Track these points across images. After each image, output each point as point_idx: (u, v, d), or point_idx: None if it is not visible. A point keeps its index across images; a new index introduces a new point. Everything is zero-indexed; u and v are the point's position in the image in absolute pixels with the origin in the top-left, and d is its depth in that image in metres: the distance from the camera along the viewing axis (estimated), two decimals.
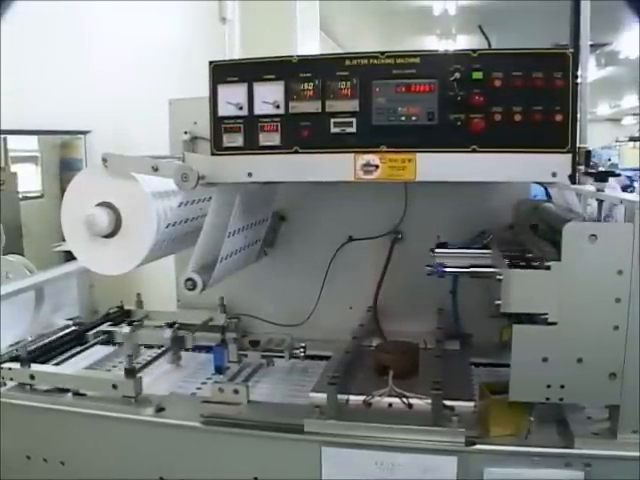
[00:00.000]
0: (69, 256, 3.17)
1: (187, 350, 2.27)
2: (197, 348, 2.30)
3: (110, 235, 1.78)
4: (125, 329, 2.07)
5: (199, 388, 2.02)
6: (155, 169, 1.71)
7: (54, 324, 2.42)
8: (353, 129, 1.56)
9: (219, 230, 1.77)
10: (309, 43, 5.19)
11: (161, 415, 1.77)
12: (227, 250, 1.81)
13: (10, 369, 1.94)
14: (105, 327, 2.13)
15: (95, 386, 1.88)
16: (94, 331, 2.08)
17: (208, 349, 2.23)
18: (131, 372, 1.82)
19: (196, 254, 1.75)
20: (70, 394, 1.89)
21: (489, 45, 1.78)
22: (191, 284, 1.73)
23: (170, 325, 2.07)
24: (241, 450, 1.70)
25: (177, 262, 2.38)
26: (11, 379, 1.94)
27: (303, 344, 2.03)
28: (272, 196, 2.12)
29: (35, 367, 1.95)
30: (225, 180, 1.66)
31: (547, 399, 1.54)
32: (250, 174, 1.63)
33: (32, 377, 1.92)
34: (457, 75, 1.51)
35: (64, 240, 3.94)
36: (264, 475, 1.70)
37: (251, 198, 1.88)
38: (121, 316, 2.47)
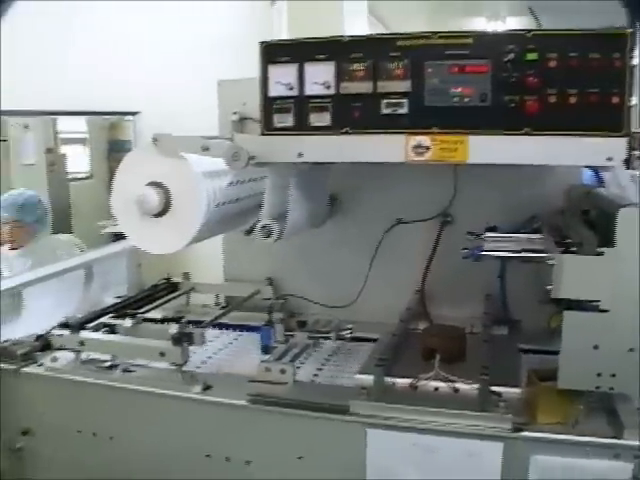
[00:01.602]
0: (116, 237, 3.26)
1: (229, 328, 2.32)
2: (244, 328, 2.34)
3: (160, 214, 1.80)
4: (127, 322, 2.07)
5: (245, 367, 2.02)
6: (205, 149, 1.72)
7: (103, 302, 2.46)
8: (405, 110, 1.55)
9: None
10: (357, 26, 5.16)
11: (208, 393, 1.80)
12: (291, 230, 1.83)
13: (60, 335, 1.97)
14: (106, 319, 2.13)
15: (143, 353, 1.92)
16: (94, 323, 2.09)
17: (254, 329, 2.26)
18: (178, 340, 1.84)
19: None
20: (119, 370, 1.93)
21: (539, 27, 1.75)
22: (266, 231, 1.74)
23: (177, 320, 2.06)
24: (286, 430, 1.72)
25: (225, 243, 2.42)
26: (61, 347, 1.99)
27: (350, 326, 2.04)
28: (327, 175, 2.13)
29: (84, 334, 1.98)
30: (275, 160, 1.67)
31: (597, 388, 1.52)
32: (300, 154, 1.64)
33: (81, 344, 1.95)
34: (511, 56, 1.49)
35: (111, 220, 4.02)
36: (309, 455, 1.71)
37: (307, 180, 1.88)
38: (167, 288, 2.51)
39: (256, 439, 1.76)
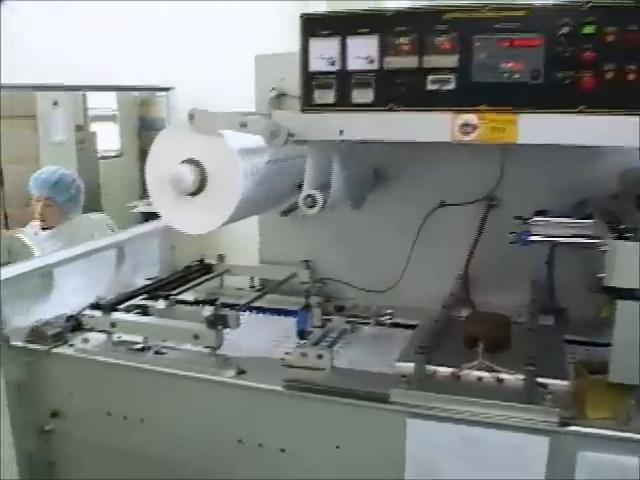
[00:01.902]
0: (146, 217, 3.29)
1: (264, 312, 2.34)
2: (280, 312, 2.35)
3: (195, 193, 1.80)
4: (159, 304, 2.09)
5: (281, 352, 2.05)
6: (243, 125, 1.72)
7: (134, 284, 2.49)
8: (451, 86, 1.53)
9: (323, 180, 1.79)
10: None
11: (242, 378, 1.82)
12: (333, 200, 1.83)
13: (91, 316, 2.00)
14: (138, 301, 2.15)
15: (176, 335, 1.94)
16: (126, 304, 2.11)
17: (290, 313, 2.27)
18: (213, 322, 1.85)
19: (309, 176, 1.78)
20: (151, 352, 1.96)
21: None
22: (311, 200, 1.75)
23: (211, 302, 2.07)
24: (323, 417, 1.73)
25: (261, 223, 2.43)
26: (92, 328, 2.01)
27: (389, 311, 2.04)
28: (369, 154, 2.12)
29: (116, 315, 2.01)
30: (315, 138, 1.66)
31: None
32: (342, 132, 1.63)
33: (113, 325, 1.98)
34: (566, 29, 1.46)
35: (142, 200, 4.06)
36: (346, 444, 1.72)
37: (349, 156, 1.88)
38: (201, 270, 2.53)
39: (291, 426, 1.77)
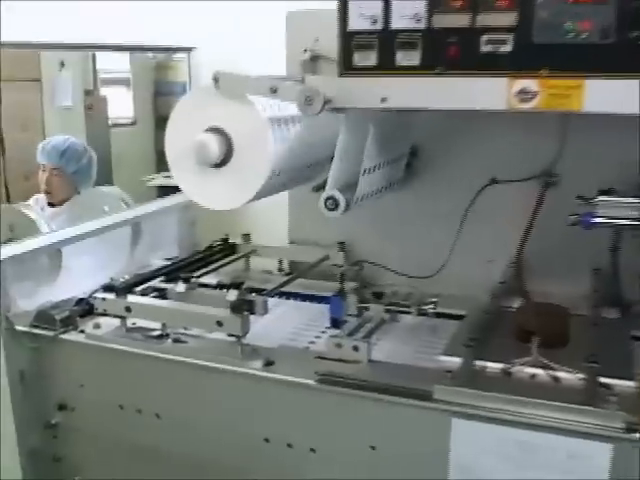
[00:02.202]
0: (163, 191, 3.31)
1: (294, 298, 2.36)
2: (311, 298, 2.37)
3: (220, 165, 1.82)
4: (179, 287, 2.10)
5: (312, 342, 2.08)
6: (274, 91, 1.73)
7: (151, 264, 2.52)
8: (509, 48, 1.52)
9: (355, 157, 1.80)
10: None
11: (270, 370, 1.83)
12: (363, 188, 1.84)
13: (104, 299, 2.02)
14: (156, 283, 2.17)
15: (197, 322, 1.96)
16: (142, 287, 2.12)
17: (323, 299, 2.28)
18: (238, 308, 1.86)
19: (334, 172, 1.79)
20: (170, 340, 1.98)
21: None
22: (332, 203, 1.77)
23: (236, 286, 2.06)
24: (358, 415, 1.74)
25: (291, 200, 2.43)
26: (104, 312, 2.03)
27: (434, 299, 2.04)
28: (410, 126, 2.12)
29: (131, 298, 2.03)
30: (355, 105, 1.67)
31: None
32: (384, 99, 1.63)
33: (128, 309, 2.00)
34: None
35: (159, 173, 4.08)
36: (382, 445, 1.73)
37: (387, 129, 1.88)
38: (224, 250, 2.55)
39: (323, 424, 1.79)
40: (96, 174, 3.34)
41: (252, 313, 1.88)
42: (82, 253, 2.32)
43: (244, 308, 1.86)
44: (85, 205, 3.09)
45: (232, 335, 1.88)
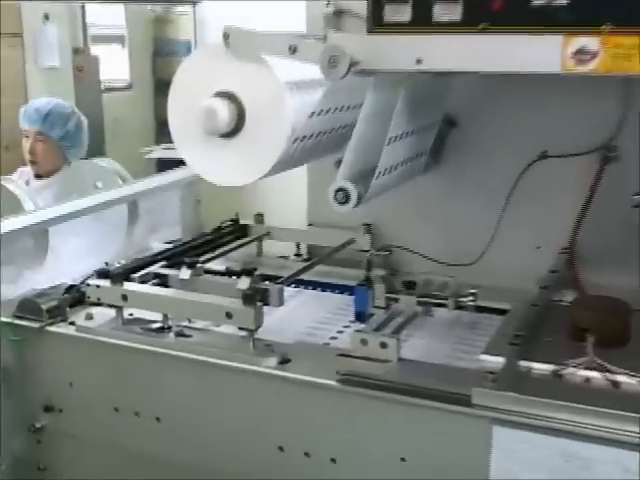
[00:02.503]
0: (164, 165, 3.32)
1: (314, 287, 2.37)
2: (333, 287, 2.39)
3: (231, 134, 1.83)
4: (183, 273, 2.11)
5: (334, 338, 2.10)
6: (292, 50, 1.73)
7: (150, 248, 2.53)
8: (563, 1, 1.53)
9: (376, 133, 1.79)
10: None
11: (285, 368, 1.85)
12: (387, 161, 1.84)
13: (97, 287, 2.04)
14: (157, 268, 2.18)
15: (204, 313, 1.98)
16: (141, 273, 2.13)
17: (346, 289, 2.31)
18: (250, 298, 1.88)
19: (348, 160, 1.79)
20: (172, 334, 1.99)
21: None
22: (343, 196, 1.79)
23: (248, 272, 2.05)
24: (385, 421, 1.75)
25: (310, 174, 2.44)
26: (98, 301, 2.06)
27: (473, 290, 2.04)
28: (445, 92, 2.12)
29: (128, 285, 2.05)
30: (386, 68, 1.67)
31: None
32: (419, 61, 1.63)
33: (124, 298, 2.02)
34: None
35: (158, 144, 4.10)
36: (413, 456, 1.74)
37: (419, 94, 1.88)
38: (234, 232, 2.57)
39: (345, 431, 1.80)
40: (89, 144, 3.35)
41: (266, 304, 1.90)
42: (72, 234, 2.33)
43: (257, 298, 1.88)
44: (75, 179, 3.11)
45: (243, 329, 1.90)
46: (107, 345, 2.01)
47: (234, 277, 2.08)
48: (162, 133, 4.16)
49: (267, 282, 1.95)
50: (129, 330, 2.03)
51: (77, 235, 2.35)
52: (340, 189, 1.80)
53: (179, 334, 2.00)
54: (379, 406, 1.75)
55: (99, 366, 2.05)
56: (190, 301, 1.99)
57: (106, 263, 2.10)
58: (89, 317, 2.08)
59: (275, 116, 1.80)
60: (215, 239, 2.51)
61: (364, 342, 1.81)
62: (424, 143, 2.12)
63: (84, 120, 3.30)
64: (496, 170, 2.29)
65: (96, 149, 3.66)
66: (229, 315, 1.89)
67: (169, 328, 2.01)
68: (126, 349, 1.99)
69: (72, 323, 2.09)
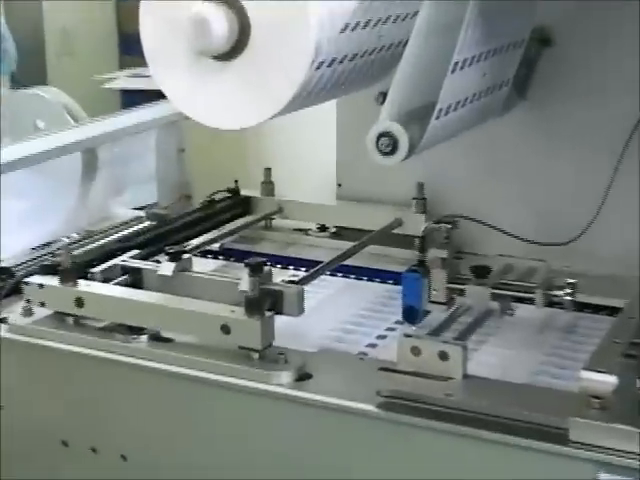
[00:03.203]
0: (131, 99, 3.32)
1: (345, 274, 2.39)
2: (371, 273, 2.40)
3: (229, 55, 1.82)
4: (165, 267, 2.11)
5: (372, 345, 2.10)
6: None
7: (113, 215, 2.54)
8: None
9: (436, 55, 1.79)
10: None
11: (305, 386, 1.84)
12: (450, 95, 1.84)
13: (41, 286, 2.05)
14: (126, 259, 2.19)
15: (190, 325, 1.97)
16: (103, 266, 2.14)
17: (389, 276, 2.33)
18: (256, 304, 1.87)
19: (395, 93, 1.79)
20: (145, 337, 2.00)
21: None
22: (388, 143, 1.78)
23: (254, 266, 1.97)
24: (444, 460, 1.75)
25: (340, 117, 2.44)
26: (42, 304, 2.07)
27: (571, 280, 2.04)
28: (533, 5, 2.12)
29: (86, 286, 2.05)
30: None
31: None
32: None
33: (79, 302, 2.02)
34: None
35: (122, 69, 4.11)
36: None
37: (496, 3, 1.88)
38: (234, 207, 2.59)
39: (389, 473, 1.79)
40: (24, 67, 3.35)
41: (279, 313, 1.92)
42: (3, 195, 2.34)
43: (266, 305, 1.89)
44: (6, 116, 3.11)
45: (245, 348, 1.90)
46: (51, 352, 2.02)
47: (232, 259, 2.07)
48: (128, 52, 4.16)
49: (280, 282, 1.97)
50: (83, 331, 2.04)
51: (10, 196, 2.35)
52: (384, 133, 1.79)
53: (154, 337, 2.01)
54: (436, 441, 1.74)
55: (40, 382, 2.06)
56: (172, 310, 2.00)
57: (49, 243, 2.10)
58: (28, 312, 2.10)
59: (293, 30, 1.79)
60: (206, 217, 2.53)
61: (416, 351, 1.81)
62: (504, 70, 2.11)
63: (5, 31, 3.30)
64: (606, 112, 2.29)
65: (35, 75, 3.66)
66: (226, 329, 1.90)
67: (141, 329, 2.02)
68: (79, 358, 2.00)
69: (3, 320, 2.10)
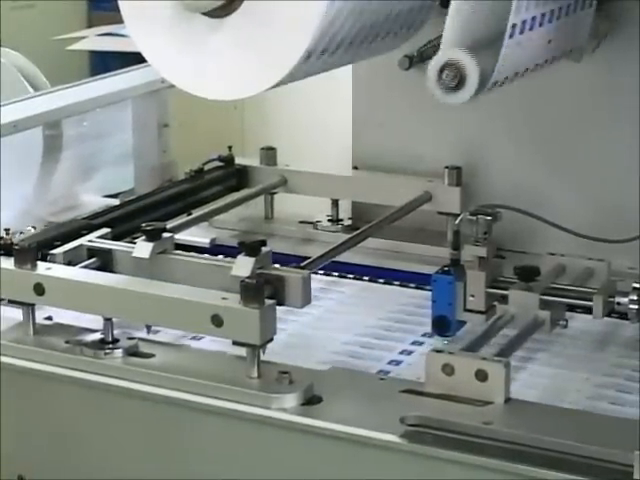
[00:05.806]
0: (100, 63, 3.34)
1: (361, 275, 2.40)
2: (394, 274, 2.43)
3: (224, 11, 1.84)
4: (141, 249, 2.10)
5: (395, 362, 2.12)
6: None
7: (80, 203, 2.55)
8: None
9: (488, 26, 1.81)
10: None
11: (314, 412, 1.86)
12: (514, 62, 1.87)
13: None
14: (94, 239, 2.18)
15: (173, 317, 1.98)
16: (68, 247, 2.14)
17: (416, 278, 2.36)
18: (255, 292, 1.85)
19: (457, 16, 1.80)
20: (120, 351, 2.01)
21: None
22: (453, 76, 1.79)
23: (252, 248, 2.00)
24: None
25: (356, 88, 2.46)
26: None
27: (637, 285, 2.05)
28: None
29: (46, 268, 2.06)
30: None
31: None
32: None
33: (39, 290, 2.03)
34: None
35: (91, 27, 4.16)
36: None
37: None
38: (226, 179, 2.60)
39: None
40: None
41: (281, 303, 1.93)
42: None
43: (266, 292, 1.89)
44: None
45: (240, 343, 1.91)
46: (7, 370, 2.03)
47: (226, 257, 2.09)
48: (99, 6, 4.18)
49: (283, 269, 1.96)
50: (45, 344, 2.05)
51: None
52: (448, 63, 1.80)
53: (131, 352, 2.02)
54: (473, 477, 1.74)
55: None
56: (151, 296, 2.00)
57: (5, 230, 2.11)
58: None
59: None
60: (193, 190, 2.52)
61: (448, 370, 1.83)
62: (576, 29, 2.12)
63: None
64: None
65: None
66: (217, 320, 1.89)
67: (115, 342, 2.03)
68: (40, 377, 2.02)
69: None
